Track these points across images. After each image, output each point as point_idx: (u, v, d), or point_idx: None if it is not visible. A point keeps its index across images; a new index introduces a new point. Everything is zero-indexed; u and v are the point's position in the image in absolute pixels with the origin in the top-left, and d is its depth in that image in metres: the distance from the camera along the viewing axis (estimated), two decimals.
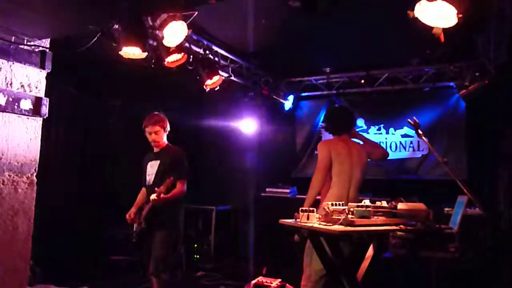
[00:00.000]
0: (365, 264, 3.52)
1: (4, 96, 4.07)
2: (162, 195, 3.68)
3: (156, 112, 4.05)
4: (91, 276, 5.17)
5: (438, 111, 6.50)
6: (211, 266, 6.29)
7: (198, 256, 6.58)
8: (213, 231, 6.74)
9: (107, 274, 5.20)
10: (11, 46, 4.13)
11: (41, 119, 4.27)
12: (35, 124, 4.28)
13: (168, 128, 4.06)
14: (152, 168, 3.99)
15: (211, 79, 5.50)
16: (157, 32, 4.36)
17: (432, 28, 3.55)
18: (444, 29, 3.53)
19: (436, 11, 3.40)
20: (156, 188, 3.72)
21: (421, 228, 3.19)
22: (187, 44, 4.90)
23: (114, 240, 5.37)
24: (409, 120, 3.84)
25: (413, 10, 3.42)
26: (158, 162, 3.95)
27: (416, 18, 3.46)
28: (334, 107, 3.99)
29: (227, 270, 6.11)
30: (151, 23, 4.41)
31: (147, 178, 3.99)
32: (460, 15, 3.37)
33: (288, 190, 6.54)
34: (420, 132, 3.73)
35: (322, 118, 7.42)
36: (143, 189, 4.07)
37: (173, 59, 4.77)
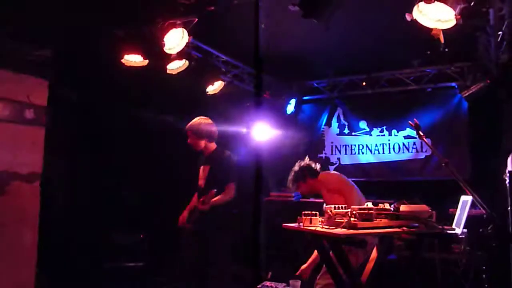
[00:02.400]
0: (369, 266, 3.51)
1: (10, 107, 4.13)
2: (206, 204, 3.74)
3: (195, 120, 4.14)
4: (98, 283, 5.18)
5: (440, 112, 6.49)
6: None
7: None
8: None
9: (116, 281, 5.20)
10: (14, 56, 4.19)
11: (44, 128, 4.32)
12: (39, 133, 4.33)
13: (211, 134, 4.12)
14: (203, 172, 4.10)
15: (212, 84, 5.54)
16: (158, 39, 4.38)
17: (431, 29, 3.57)
18: (443, 30, 3.55)
19: (434, 13, 3.42)
20: (203, 197, 3.79)
21: (424, 229, 3.18)
22: (188, 50, 4.92)
23: (123, 246, 5.38)
24: (410, 122, 3.84)
25: (411, 12, 3.45)
26: (208, 167, 4.06)
27: (415, 20, 3.48)
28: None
29: (233, 275, 6.10)
30: (152, 31, 4.44)
31: (199, 182, 4.10)
32: (459, 16, 3.39)
33: (292, 194, 6.54)
34: (421, 133, 3.72)
35: (324, 121, 7.43)
36: (196, 193, 4.16)
37: (174, 66, 4.81)
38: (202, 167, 4.15)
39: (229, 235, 4.03)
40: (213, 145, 4.16)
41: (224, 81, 5.73)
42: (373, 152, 7.02)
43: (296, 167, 4.08)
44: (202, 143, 4.10)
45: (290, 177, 4.06)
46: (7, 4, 3.81)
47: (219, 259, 3.93)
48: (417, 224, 3.24)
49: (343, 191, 3.91)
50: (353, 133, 7.22)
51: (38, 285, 4.22)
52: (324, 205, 3.43)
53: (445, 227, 3.30)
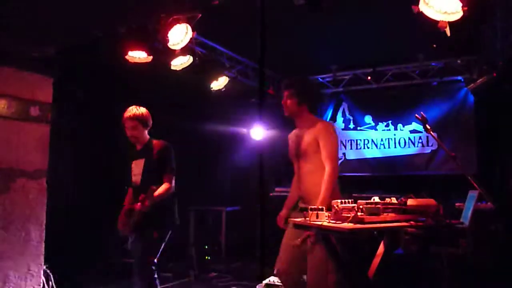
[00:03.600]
0: (376, 261, 3.50)
1: (14, 104, 4.13)
2: (146, 203, 3.40)
3: (134, 106, 3.71)
4: (106, 279, 5.21)
5: (447, 106, 6.46)
6: (223, 267, 6.29)
7: (209, 257, 6.60)
8: (223, 232, 6.76)
9: (122, 277, 5.22)
10: (19, 54, 4.19)
11: (49, 125, 4.32)
12: (44, 130, 4.33)
13: (150, 123, 3.73)
14: (137, 167, 3.70)
15: (217, 80, 5.53)
16: (162, 35, 4.37)
17: (437, 22, 3.54)
18: (449, 23, 3.51)
19: (441, 5, 3.39)
20: (141, 196, 3.44)
21: (431, 223, 3.16)
22: (192, 46, 4.91)
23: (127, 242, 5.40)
24: (416, 115, 3.80)
25: (417, 5, 3.41)
26: (142, 160, 3.67)
27: (421, 12, 3.45)
28: (305, 78, 3.54)
29: (239, 271, 6.12)
30: (155, 27, 4.43)
31: (133, 178, 3.71)
32: (466, 8, 3.35)
33: None
34: (428, 127, 3.69)
35: (329, 116, 7.41)
36: (130, 190, 3.79)
37: (178, 62, 4.80)
38: (134, 162, 3.73)
39: (165, 229, 3.63)
40: (147, 135, 3.75)
41: (228, 77, 5.72)
42: (378, 146, 7.00)
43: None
44: (145, 133, 3.73)
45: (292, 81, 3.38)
46: (10, 2, 3.81)
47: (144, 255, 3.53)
48: (424, 218, 3.22)
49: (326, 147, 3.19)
50: (358, 128, 7.20)
51: (45, 282, 4.23)
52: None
53: (453, 221, 3.28)
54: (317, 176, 3.12)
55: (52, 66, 4.32)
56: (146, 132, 3.74)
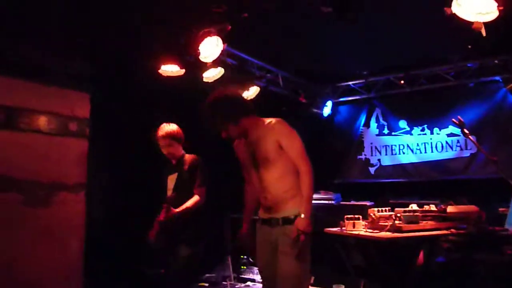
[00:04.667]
0: (417, 270, 3.42)
1: (55, 120, 4.29)
2: (172, 211, 3.43)
3: (165, 123, 3.77)
4: None
5: (484, 107, 6.27)
6: (259, 277, 6.27)
7: (245, 267, 6.59)
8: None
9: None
10: (60, 72, 4.36)
11: (87, 139, 4.46)
12: (82, 145, 4.47)
13: (183, 138, 3.77)
14: (171, 182, 3.76)
15: (248, 90, 5.56)
16: (194, 49, 4.44)
17: (472, 23, 3.45)
18: (485, 23, 3.42)
19: (475, 5, 3.30)
20: (165, 205, 3.47)
21: (473, 231, 3.07)
22: (223, 58, 4.96)
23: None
24: (453, 120, 3.71)
25: (449, 6, 3.34)
26: (176, 175, 3.73)
27: (454, 14, 3.37)
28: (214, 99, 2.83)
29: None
30: (187, 40, 4.51)
31: (168, 193, 3.76)
32: (501, 8, 3.26)
33: (332, 197, 6.45)
34: (466, 131, 3.59)
35: (363, 122, 7.32)
36: (165, 206, 3.71)
37: (210, 74, 4.86)
38: (169, 177, 3.78)
39: (201, 244, 3.64)
40: (181, 151, 3.82)
41: (259, 87, 5.74)
42: (414, 151, 6.86)
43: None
44: (180, 149, 3.78)
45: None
46: (49, 21, 3.97)
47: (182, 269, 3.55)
48: (465, 226, 3.14)
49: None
50: (393, 133, 7.07)
51: None
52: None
53: (496, 228, 3.17)
54: (287, 181, 2.73)
55: (88, 82, 4.46)
56: (181, 147, 3.80)
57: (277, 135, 2.72)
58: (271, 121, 2.79)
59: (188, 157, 3.77)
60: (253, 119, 2.84)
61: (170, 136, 3.70)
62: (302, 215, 2.55)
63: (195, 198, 3.57)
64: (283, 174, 2.73)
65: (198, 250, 3.62)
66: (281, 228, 2.67)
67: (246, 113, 2.81)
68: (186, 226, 3.53)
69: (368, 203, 5.80)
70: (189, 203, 3.54)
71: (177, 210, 3.47)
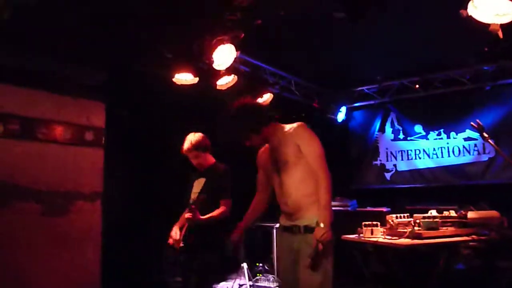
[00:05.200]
0: (436, 277, 3.35)
1: (71, 130, 4.34)
2: (198, 215, 3.42)
3: (190, 134, 3.76)
4: None
5: (502, 110, 6.15)
6: (275, 286, 6.22)
7: (261, 275, 6.54)
8: (275, 249, 6.69)
9: None
10: (75, 82, 4.41)
11: (103, 149, 4.50)
12: (98, 154, 4.51)
13: (209, 146, 3.77)
14: (198, 185, 3.74)
15: (261, 97, 5.55)
16: (207, 56, 4.45)
17: (488, 25, 3.39)
18: (502, 25, 3.36)
19: (491, 7, 3.25)
20: (192, 206, 3.45)
21: (495, 237, 3.00)
22: (236, 65, 4.97)
23: (178, 261, 5.44)
24: (472, 123, 3.65)
25: (465, 9, 3.29)
26: (204, 179, 3.71)
27: (470, 16, 3.32)
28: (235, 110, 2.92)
29: None
30: (201, 49, 4.52)
31: (192, 195, 3.71)
32: None
33: (348, 204, 6.38)
34: (485, 135, 3.53)
35: (378, 127, 7.26)
36: (186, 210, 3.72)
37: (223, 81, 4.87)
38: (197, 181, 3.76)
39: (218, 254, 3.58)
40: (211, 158, 3.83)
41: (272, 93, 5.73)
42: (431, 156, 6.76)
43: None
44: (208, 157, 3.79)
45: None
46: (63, 32, 4.02)
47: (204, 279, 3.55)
48: (487, 232, 3.07)
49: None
50: (409, 138, 6.99)
51: None
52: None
53: None
54: (307, 186, 2.71)
55: (104, 92, 4.50)
56: (208, 155, 3.79)
57: (297, 139, 2.74)
58: (292, 126, 2.82)
59: (218, 166, 3.77)
60: (274, 126, 2.89)
61: (194, 147, 3.68)
62: (322, 224, 2.51)
63: (221, 209, 3.56)
64: (303, 178, 2.72)
65: (218, 258, 3.60)
66: (303, 236, 2.65)
67: (266, 122, 2.87)
68: (210, 237, 3.50)
69: (384, 209, 5.74)
70: (215, 212, 3.53)
71: (203, 217, 3.46)
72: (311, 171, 2.69)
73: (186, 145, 3.70)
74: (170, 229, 3.69)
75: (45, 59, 4.13)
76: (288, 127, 2.85)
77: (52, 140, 4.24)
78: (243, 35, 4.41)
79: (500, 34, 3.46)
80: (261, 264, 6.44)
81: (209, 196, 3.58)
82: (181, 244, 3.59)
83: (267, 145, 2.99)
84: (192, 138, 3.71)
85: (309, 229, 2.61)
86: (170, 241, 3.65)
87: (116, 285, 4.73)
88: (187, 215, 3.44)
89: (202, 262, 3.51)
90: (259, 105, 3.15)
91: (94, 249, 4.47)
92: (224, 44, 4.38)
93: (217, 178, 3.65)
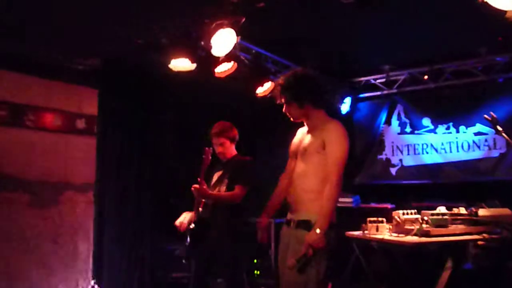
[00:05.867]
0: (444, 277, 3.16)
1: (62, 117, 4.18)
2: (205, 187, 3.38)
3: (220, 122, 3.74)
4: None
5: None
6: (273, 282, 6.07)
7: (258, 272, 6.40)
8: (273, 245, 6.52)
9: None
10: (67, 68, 4.24)
11: (95, 137, 4.33)
12: (90, 143, 4.34)
13: (237, 137, 3.75)
14: (216, 177, 3.75)
15: (262, 86, 5.37)
16: (205, 42, 4.26)
17: (505, 12, 3.19)
18: None
19: None
20: (198, 179, 3.40)
21: (507, 236, 2.82)
22: (236, 52, 4.77)
23: (176, 256, 5.31)
24: (485, 116, 3.44)
25: None
26: (221, 172, 3.71)
27: (485, 2, 3.12)
28: (296, 73, 2.86)
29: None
30: (198, 33, 4.32)
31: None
32: None
33: (351, 199, 6.19)
34: (499, 128, 3.32)
35: (383, 120, 7.04)
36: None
37: (222, 68, 4.68)
38: (216, 173, 3.75)
39: (237, 246, 3.60)
40: (234, 150, 3.79)
41: (274, 82, 5.54)
42: (439, 151, 6.53)
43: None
44: (232, 148, 3.75)
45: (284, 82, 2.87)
46: (56, 16, 3.84)
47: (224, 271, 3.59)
48: (499, 230, 2.88)
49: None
50: (416, 132, 6.75)
51: None
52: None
53: None
54: (311, 182, 2.65)
55: (97, 78, 4.33)
56: (233, 147, 3.75)
57: (325, 135, 2.68)
58: (331, 122, 2.77)
59: (240, 158, 3.72)
60: (317, 112, 2.81)
61: (224, 133, 3.65)
62: (318, 230, 2.40)
63: (233, 192, 3.49)
64: (309, 172, 2.68)
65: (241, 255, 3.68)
66: (294, 231, 2.60)
67: (314, 103, 2.79)
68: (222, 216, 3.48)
69: (389, 206, 5.60)
70: (226, 193, 3.50)
71: (211, 192, 3.45)
72: (324, 170, 2.62)
73: (217, 129, 3.66)
74: (165, 221, 3.59)
75: (33, 43, 3.95)
76: (327, 120, 2.79)
77: (42, 128, 4.09)
78: (244, 19, 4.22)
79: None
80: (258, 261, 6.32)
81: (227, 187, 3.54)
82: (191, 226, 3.50)
83: (301, 133, 2.93)
84: (224, 124, 3.69)
85: (301, 225, 2.55)
86: (177, 223, 3.59)
87: (108, 278, 4.57)
88: (194, 186, 3.37)
89: (230, 255, 3.51)
90: (321, 85, 3.02)
91: (85, 243, 4.33)
92: (223, 28, 4.18)
93: (236, 169, 3.60)
